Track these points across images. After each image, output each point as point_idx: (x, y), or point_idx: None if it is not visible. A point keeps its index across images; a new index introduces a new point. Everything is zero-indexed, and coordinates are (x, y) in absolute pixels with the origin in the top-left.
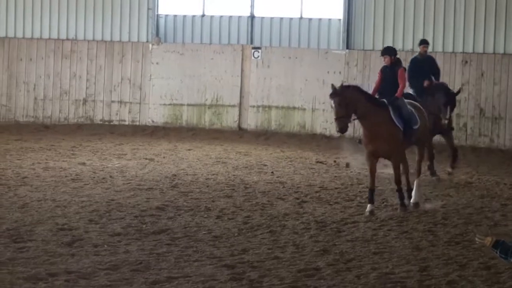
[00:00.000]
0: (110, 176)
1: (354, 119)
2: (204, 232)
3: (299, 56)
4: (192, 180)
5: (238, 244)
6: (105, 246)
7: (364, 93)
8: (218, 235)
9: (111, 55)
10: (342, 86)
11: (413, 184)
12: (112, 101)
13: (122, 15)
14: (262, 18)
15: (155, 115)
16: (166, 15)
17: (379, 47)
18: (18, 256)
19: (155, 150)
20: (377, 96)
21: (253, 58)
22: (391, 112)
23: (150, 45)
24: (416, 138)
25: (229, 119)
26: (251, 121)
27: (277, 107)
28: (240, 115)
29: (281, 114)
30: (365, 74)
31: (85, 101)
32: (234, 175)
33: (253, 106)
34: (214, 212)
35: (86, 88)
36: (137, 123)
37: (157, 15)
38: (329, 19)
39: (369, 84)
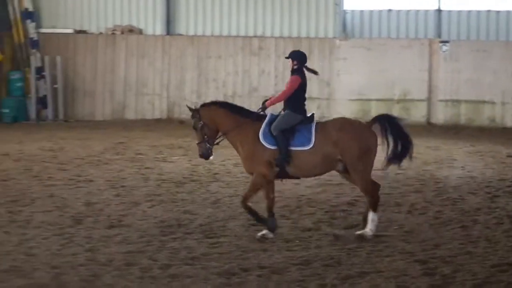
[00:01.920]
0: None
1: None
2: (395, 227)
3: (488, 49)
4: (381, 175)
5: (430, 239)
6: (297, 241)
7: (231, 106)
8: (409, 230)
9: None
10: (200, 106)
11: None
12: None
13: (308, 11)
14: (450, 11)
15: (343, 110)
16: (353, 11)
17: None
18: (211, 251)
19: None
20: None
21: (441, 52)
22: (263, 126)
23: (337, 41)
24: (306, 166)
25: (418, 114)
26: (440, 115)
27: (466, 101)
28: (428, 109)
29: (471, 108)
30: None
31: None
32: (424, 170)
33: (442, 101)
34: (405, 207)
35: (275, 84)
36: (326, 119)
37: (344, 10)
38: None
39: None
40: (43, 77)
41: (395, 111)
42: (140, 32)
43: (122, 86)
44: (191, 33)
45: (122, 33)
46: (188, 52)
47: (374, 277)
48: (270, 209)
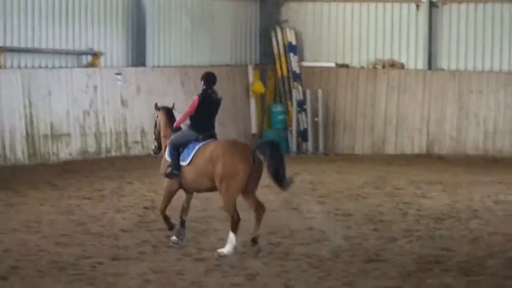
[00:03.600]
0: None
1: None
2: None
3: None
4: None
5: None
6: None
7: (170, 116)
8: None
9: None
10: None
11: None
12: None
13: None
14: None
15: None
16: None
17: None
18: None
19: None
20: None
21: None
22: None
23: None
24: (188, 180)
25: None
26: None
27: None
28: None
29: None
30: None
31: None
32: None
33: None
34: None
35: None
36: None
37: None
38: None
39: None
40: (304, 110)
41: None
42: (401, 66)
43: (382, 120)
44: (453, 68)
45: (384, 67)
46: (449, 87)
47: None
48: (162, 211)
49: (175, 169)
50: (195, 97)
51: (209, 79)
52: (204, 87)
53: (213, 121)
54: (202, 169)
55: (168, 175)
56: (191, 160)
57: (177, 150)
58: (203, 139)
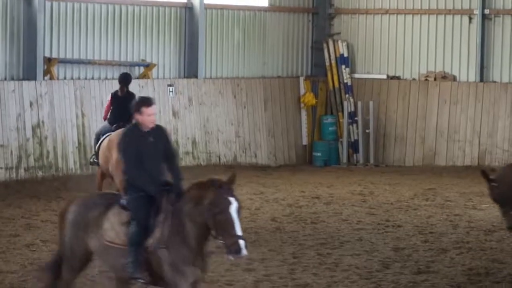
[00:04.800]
0: None
1: None
2: None
3: None
4: None
5: None
6: None
7: None
8: None
9: None
10: None
11: None
12: None
13: None
14: None
15: None
16: None
17: None
18: None
19: None
20: None
21: None
22: None
23: None
24: (101, 166)
25: None
26: None
27: None
28: None
29: None
30: None
31: None
32: None
33: None
34: None
35: None
36: None
37: None
38: None
39: None
40: (355, 121)
41: None
42: (453, 78)
43: (433, 132)
44: (505, 80)
45: (435, 79)
46: (501, 99)
47: None
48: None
49: (96, 157)
50: (110, 95)
51: (120, 79)
52: (119, 85)
53: (125, 114)
54: (104, 156)
55: (90, 163)
56: (98, 149)
57: (97, 140)
58: (115, 129)
